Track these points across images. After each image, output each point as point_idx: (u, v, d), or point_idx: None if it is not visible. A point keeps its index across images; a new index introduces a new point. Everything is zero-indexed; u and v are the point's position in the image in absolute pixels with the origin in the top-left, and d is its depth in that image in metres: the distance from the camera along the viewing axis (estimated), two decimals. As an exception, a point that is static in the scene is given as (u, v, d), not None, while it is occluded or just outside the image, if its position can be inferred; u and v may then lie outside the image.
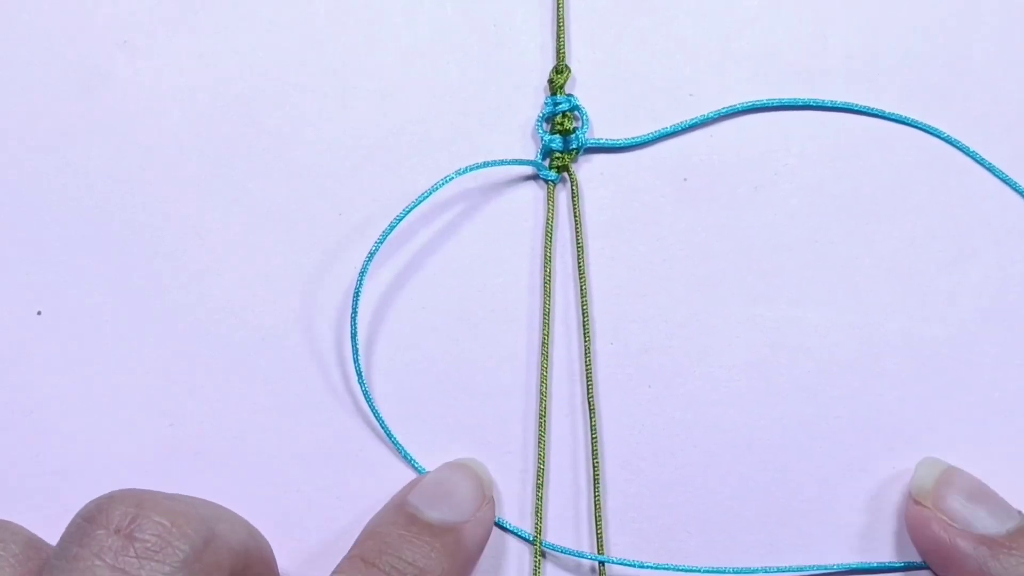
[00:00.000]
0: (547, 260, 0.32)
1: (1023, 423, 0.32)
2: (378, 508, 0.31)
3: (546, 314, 0.32)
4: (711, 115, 0.33)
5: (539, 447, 0.31)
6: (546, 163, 0.33)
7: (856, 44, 0.34)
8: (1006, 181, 0.33)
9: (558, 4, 0.33)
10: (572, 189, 0.32)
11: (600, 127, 0.33)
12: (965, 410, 0.32)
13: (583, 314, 0.32)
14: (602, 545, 0.30)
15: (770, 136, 0.33)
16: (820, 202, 0.33)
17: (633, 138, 0.33)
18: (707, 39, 0.34)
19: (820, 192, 0.33)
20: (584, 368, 0.31)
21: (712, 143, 0.33)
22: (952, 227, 0.33)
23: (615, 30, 0.34)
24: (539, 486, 0.30)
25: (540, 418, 0.31)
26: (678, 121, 0.33)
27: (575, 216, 0.32)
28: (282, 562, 0.30)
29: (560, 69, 0.33)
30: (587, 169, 0.33)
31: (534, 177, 0.33)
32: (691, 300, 0.32)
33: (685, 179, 0.33)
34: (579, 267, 0.32)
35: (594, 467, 0.31)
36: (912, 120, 0.33)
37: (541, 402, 0.31)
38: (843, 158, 0.33)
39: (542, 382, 0.31)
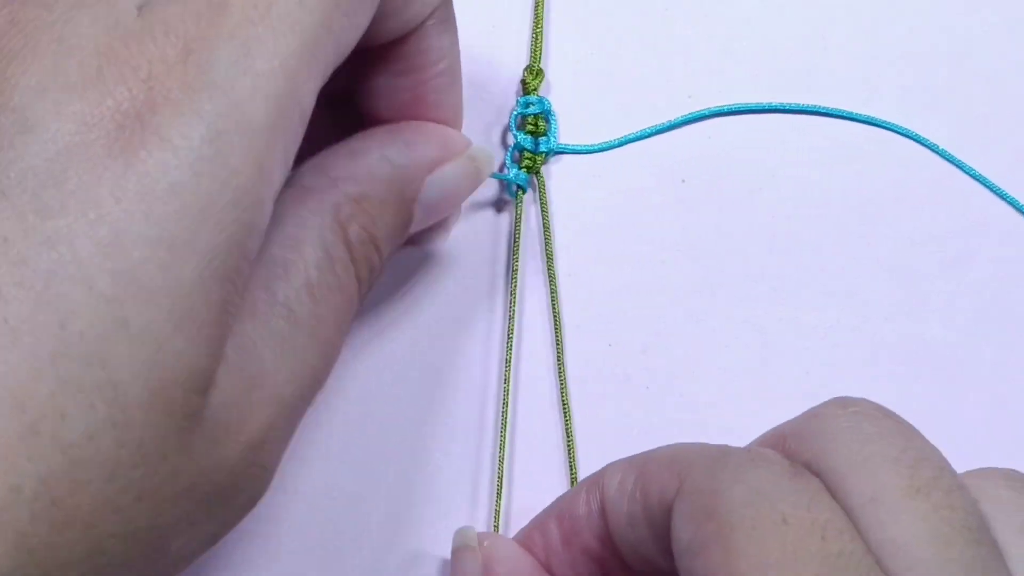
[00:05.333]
0: (514, 262, 0.31)
1: (1022, 424, 0.32)
2: (371, 509, 0.30)
3: (511, 317, 0.31)
4: (677, 121, 0.33)
5: (499, 451, 0.31)
6: (516, 163, 0.32)
7: (855, 47, 0.34)
8: (994, 189, 0.33)
9: (537, 5, 0.33)
10: (540, 193, 0.32)
11: (583, 130, 0.33)
12: (963, 411, 0.32)
13: (554, 320, 0.31)
14: None
15: (769, 138, 0.33)
16: (818, 204, 0.33)
17: (601, 143, 0.33)
18: (706, 43, 0.34)
19: (818, 194, 0.33)
20: (557, 368, 0.31)
21: (710, 144, 0.33)
22: (950, 228, 0.33)
23: (599, 33, 0.34)
24: (498, 493, 0.30)
25: (502, 425, 0.31)
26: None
27: (544, 221, 0.32)
28: (278, 565, 0.30)
29: (534, 72, 0.33)
30: (586, 169, 0.33)
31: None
32: (690, 301, 0.32)
33: (683, 180, 0.33)
34: (548, 270, 0.32)
35: (571, 468, 0.30)
36: (902, 128, 0.33)
37: (503, 408, 0.31)
38: (841, 160, 0.33)
39: (505, 382, 0.31)
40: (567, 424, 0.31)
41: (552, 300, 0.31)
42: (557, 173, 0.33)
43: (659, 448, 0.25)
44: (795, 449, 0.23)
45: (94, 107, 0.19)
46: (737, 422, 0.31)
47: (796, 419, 0.24)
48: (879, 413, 0.23)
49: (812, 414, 0.24)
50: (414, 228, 0.27)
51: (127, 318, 0.19)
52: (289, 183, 0.25)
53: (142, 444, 0.19)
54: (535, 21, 0.33)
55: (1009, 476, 0.23)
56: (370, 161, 0.26)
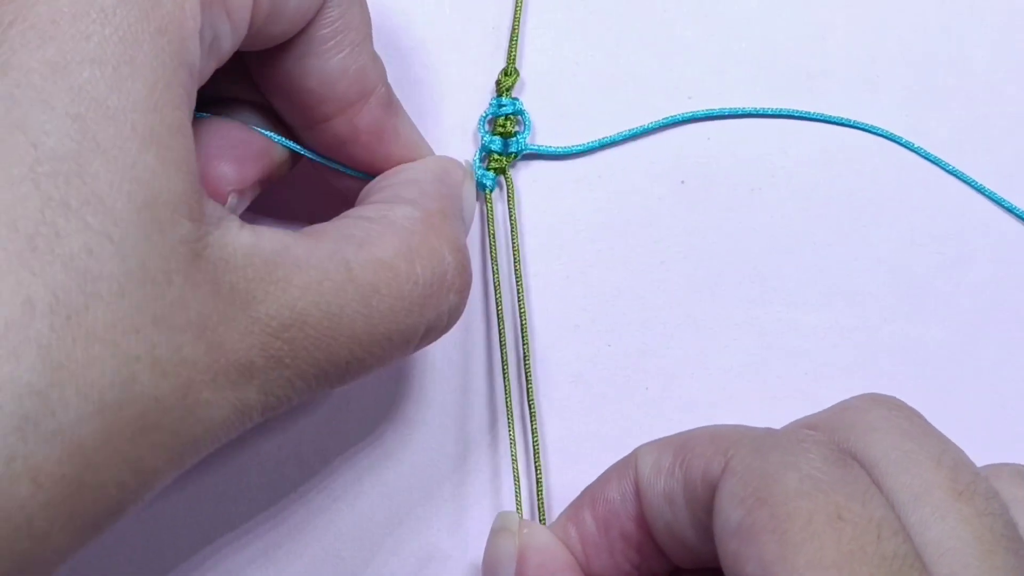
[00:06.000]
0: (492, 262, 0.32)
1: (1020, 425, 0.32)
2: (371, 509, 0.30)
3: (499, 316, 0.31)
4: (652, 125, 0.33)
5: (510, 442, 0.31)
6: (484, 164, 0.32)
7: (855, 49, 0.34)
8: (990, 196, 0.33)
9: (516, 6, 0.33)
10: (508, 193, 0.32)
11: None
12: (962, 412, 0.32)
13: (520, 317, 0.31)
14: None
15: (768, 139, 0.33)
16: (817, 204, 0.33)
17: (571, 147, 0.33)
18: (701, 46, 0.34)
19: (818, 194, 0.33)
20: (524, 371, 0.31)
21: (709, 145, 0.33)
22: (949, 229, 0.33)
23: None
24: (515, 478, 0.30)
25: (507, 417, 0.31)
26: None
27: (511, 221, 0.32)
28: (279, 565, 0.30)
29: (509, 72, 0.32)
30: (584, 169, 0.33)
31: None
32: (689, 302, 0.32)
33: (682, 181, 0.33)
34: (516, 273, 0.32)
35: (536, 469, 0.30)
36: (891, 135, 0.33)
37: (507, 406, 0.31)
38: (839, 161, 0.33)
39: (504, 380, 0.31)
40: (532, 424, 0.31)
41: (519, 299, 0.31)
42: (557, 173, 0.33)
43: (696, 428, 0.25)
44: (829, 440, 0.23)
45: None
46: (737, 422, 0.31)
47: (826, 411, 0.24)
48: (910, 411, 0.24)
49: (844, 406, 0.24)
50: None
51: (95, 134, 0.20)
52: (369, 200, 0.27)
53: (144, 263, 0.20)
54: (513, 23, 0.33)
55: (1020, 473, 0.23)
56: (431, 183, 0.27)
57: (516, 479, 0.30)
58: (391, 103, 0.28)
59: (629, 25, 0.34)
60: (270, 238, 0.23)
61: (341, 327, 0.23)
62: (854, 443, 0.23)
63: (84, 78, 0.20)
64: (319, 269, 0.23)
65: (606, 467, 0.28)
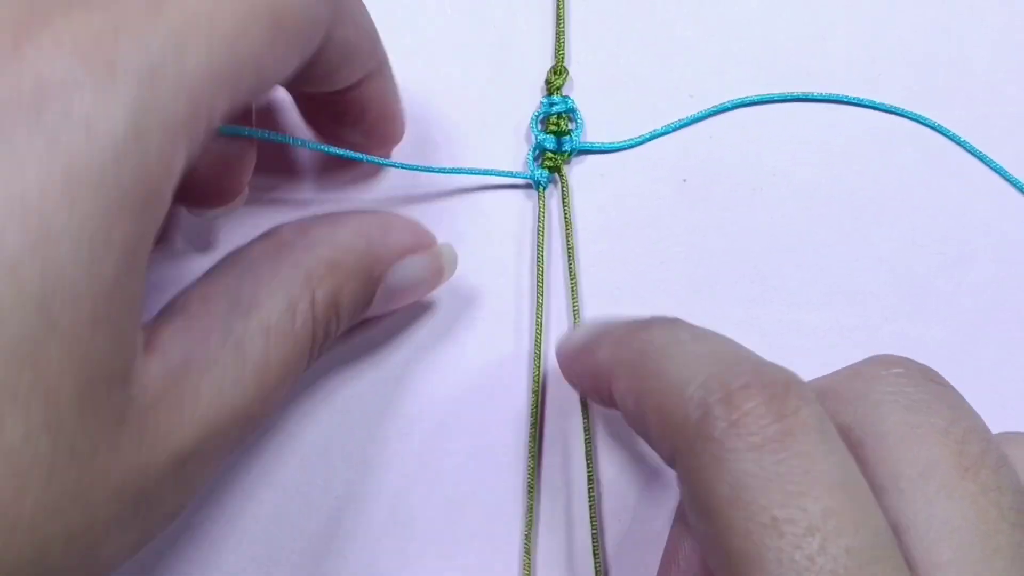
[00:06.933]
0: (539, 262, 0.32)
1: (1020, 425, 0.32)
2: (373, 513, 0.30)
3: (539, 316, 0.31)
4: (701, 114, 0.33)
5: (531, 448, 0.31)
6: (537, 163, 0.33)
7: (857, 45, 0.34)
8: (1007, 177, 0.33)
9: (558, 5, 0.33)
10: (563, 191, 0.32)
11: (601, 129, 0.33)
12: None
13: (574, 316, 0.31)
14: (598, 549, 0.30)
15: (769, 137, 0.33)
16: (819, 204, 0.33)
17: (626, 141, 0.33)
18: (708, 41, 0.34)
19: (819, 194, 0.33)
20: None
21: (711, 144, 0.33)
22: (951, 228, 0.33)
23: (615, 32, 0.34)
24: (531, 487, 0.30)
25: (533, 419, 0.31)
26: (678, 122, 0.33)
27: (566, 219, 0.32)
28: (278, 565, 0.30)
29: (558, 71, 0.33)
30: (584, 170, 0.33)
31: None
32: (690, 302, 0.32)
33: (684, 180, 0.33)
34: (570, 269, 0.32)
35: (588, 468, 0.30)
36: (908, 112, 0.33)
37: (534, 404, 0.31)
38: (842, 159, 0.33)
39: (535, 382, 0.31)
40: (585, 422, 0.31)
41: (572, 298, 0.31)
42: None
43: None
44: (835, 409, 0.23)
45: (12, 78, 0.18)
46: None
47: (835, 376, 0.24)
48: (922, 376, 0.23)
49: (854, 372, 0.24)
50: (371, 312, 0.28)
51: (56, 320, 0.18)
52: (269, 234, 0.26)
53: (75, 444, 0.19)
54: (557, 20, 0.33)
55: None
56: (348, 234, 0.27)
57: (532, 480, 0.30)
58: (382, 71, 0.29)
59: (629, 25, 0.34)
60: (174, 375, 0.22)
61: (237, 413, 0.23)
62: (861, 417, 0.23)
63: (61, 256, 0.18)
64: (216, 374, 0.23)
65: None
